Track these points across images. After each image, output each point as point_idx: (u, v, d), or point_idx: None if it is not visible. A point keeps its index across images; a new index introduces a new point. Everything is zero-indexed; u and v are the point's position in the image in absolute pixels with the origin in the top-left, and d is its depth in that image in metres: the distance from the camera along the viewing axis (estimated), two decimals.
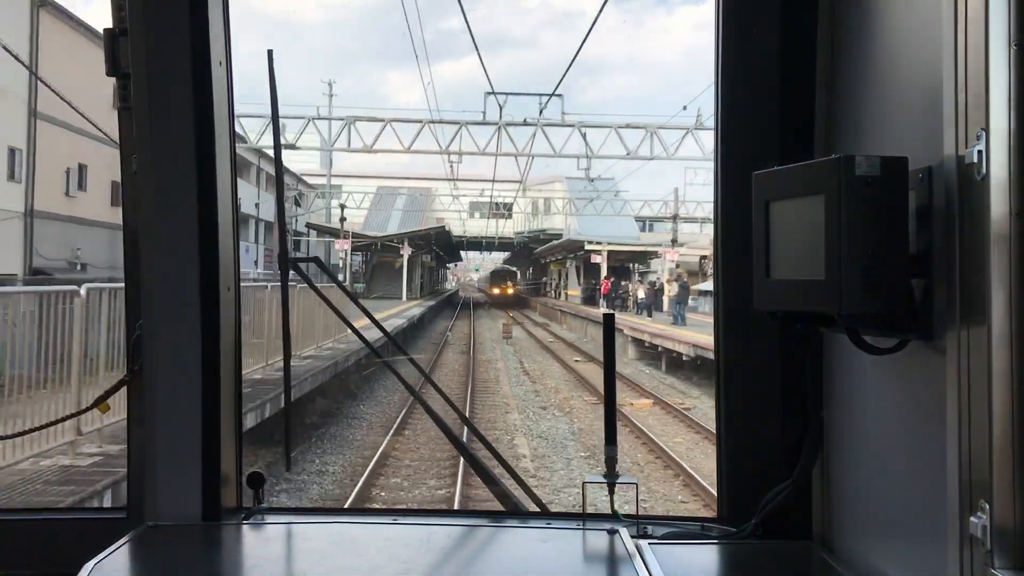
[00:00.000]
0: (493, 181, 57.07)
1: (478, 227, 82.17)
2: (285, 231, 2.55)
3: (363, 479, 12.12)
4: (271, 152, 38.00)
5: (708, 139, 30.71)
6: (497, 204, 72.13)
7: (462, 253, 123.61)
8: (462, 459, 10.53)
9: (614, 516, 2.21)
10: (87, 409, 2.70)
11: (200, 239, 2.21)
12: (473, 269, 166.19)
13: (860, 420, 1.84)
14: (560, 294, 77.03)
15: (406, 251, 59.97)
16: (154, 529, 2.15)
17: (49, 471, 8.04)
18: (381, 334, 2.60)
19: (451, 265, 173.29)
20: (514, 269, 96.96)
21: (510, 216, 79.46)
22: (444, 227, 60.34)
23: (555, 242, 66.59)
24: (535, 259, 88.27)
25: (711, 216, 2.52)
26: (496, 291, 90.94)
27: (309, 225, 59.02)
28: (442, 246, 78.27)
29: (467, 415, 7.32)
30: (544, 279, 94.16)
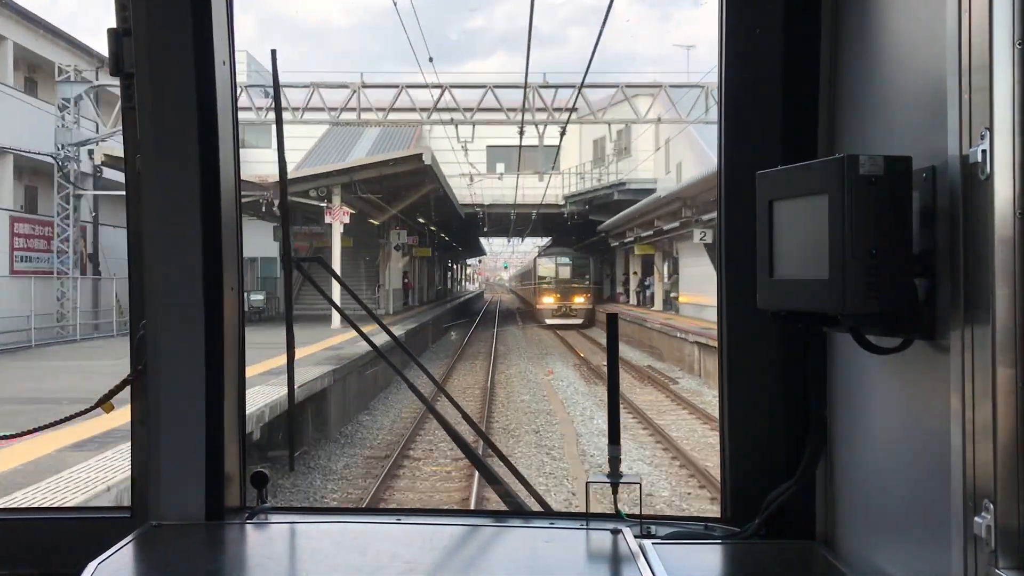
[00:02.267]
0: (523, 109, 28.85)
1: (502, 192, 47.86)
2: (288, 230, 2.57)
3: None
4: None
5: None
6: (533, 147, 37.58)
7: (483, 242, 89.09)
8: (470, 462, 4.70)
9: (617, 516, 2.20)
10: (90, 409, 2.34)
11: (203, 239, 2.20)
12: (502, 266, 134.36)
13: (863, 420, 1.82)
14: (647, 298, 42.62)
15: (337, 215, 25.28)
16: (158, 528, 2.15)
17: None
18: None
19: (474, 262, 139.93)
20: (584, 256, 49.15)
21: (556, 167, 44.81)
22: (421, 158, 26.52)
23: (661, 195, 32.36)
24: (599, 241, 52.95)
25: None
26: (549, 299, 49.59)
27: (108, 160, 25.60)
28: (442, 219, 44.02)
29: None
30: (608, 273, 58.01)
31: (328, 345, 20.37)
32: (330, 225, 27.47)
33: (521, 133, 27.78)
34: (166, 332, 2.18)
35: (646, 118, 29.95)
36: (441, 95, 27.83)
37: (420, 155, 26.57)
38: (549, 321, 43.79)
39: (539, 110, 30.29)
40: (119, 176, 29.23)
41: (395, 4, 19.59)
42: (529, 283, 57.48)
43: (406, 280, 44.29)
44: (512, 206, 45.58)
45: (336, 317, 26.42)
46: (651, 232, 36.26)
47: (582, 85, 26.80)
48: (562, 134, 26.94)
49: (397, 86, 28.11)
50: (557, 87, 28.70)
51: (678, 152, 37.97)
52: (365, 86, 27.83)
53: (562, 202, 48.03)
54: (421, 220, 41.97)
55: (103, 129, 27.33)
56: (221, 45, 2.20)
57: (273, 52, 2.33)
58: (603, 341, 33.99)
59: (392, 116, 29.38)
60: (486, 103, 29.68)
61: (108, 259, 30.90)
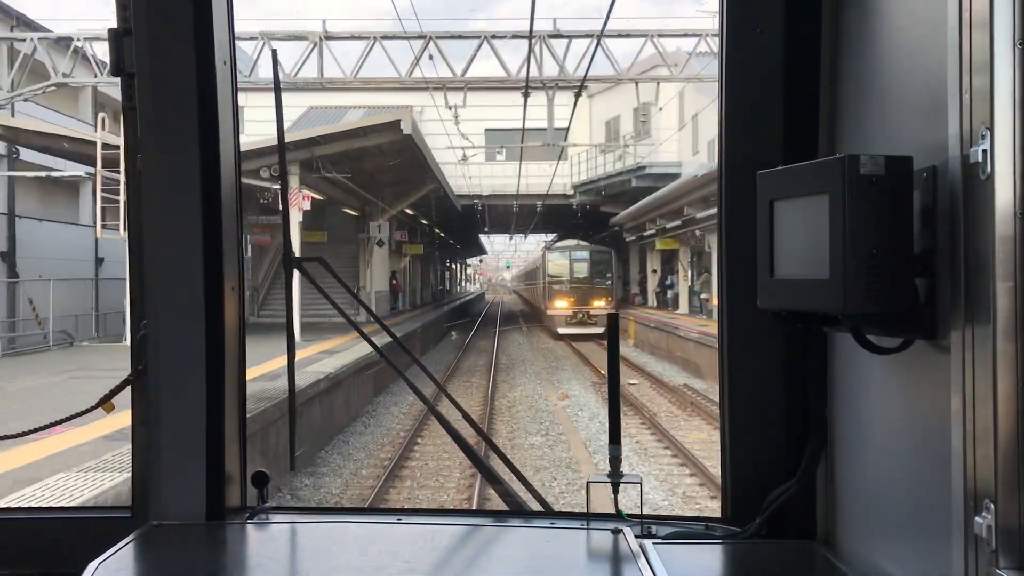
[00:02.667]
0: (527, 87, 23.18)
1: (503, 181, 42.37)
2: (289, 230, 2.55)
3: None
4: None
5: None
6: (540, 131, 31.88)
7: (484, 241, 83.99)
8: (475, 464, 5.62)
9: (618, 516, 2.21)
10: (91, 409, 2.36)
11: (204, 238, 2.21)
12: (504, 266, 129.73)
13: (864, 420, 1.82)
14: (670, 300, 37.16)
15: (297, 200, 19.21)
16: (158, 528, 2.16)
17: None
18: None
19: (476, 262, 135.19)
20: (604, 250, 40.23)
21: (563, 153, 39.40)
22: (399, 126, 21.06)
23: (697, 174, 26.86)
24: (609, 236, 47.45)
25: None
26: (563, 304, 36.46)
27: (2, 132, 20.13)
28: (436, 212, 38.76)
29: None
30: (621, 272, 52.33)
31: (267, 371, 14.83)
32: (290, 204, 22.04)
33: (526, 95, 22.35)
34: (167, 332, 2.20)
35: (681, 75, 24.49)
36: (426, 46, 22.36)
37: (398, 122, 21.09)
38: (562, 330, 35.92)
39: (547, 86, 24.89)
40: (41, 158, 23.92)
41: (394, 5, 19.56)
42: (536, 283, 49.26)
43: (394, 281, 38.76)
44: (514, 196, 39.88)
45: (298, 329, 21.04)
46: (679, 223, 30.75)
47: (601, 35, 21.34)
48: (577, 95, 21.48)
49: (369, 37, 22.64)
50: (571, 37, 23.17)
51: (708, 128, 32.46)
52: (329, 37, 22.39)
53: (571, 192, 42.50)
54: (411, 212, 36.48)
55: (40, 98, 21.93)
56: (221, 45, 2.23)
57: (274, 52, 2.41)
58: (623, 351, 27.47)
59: (366, 80, 23.92)
60: (483, 70, 24.33)
61: (28, 258, 25.48)
